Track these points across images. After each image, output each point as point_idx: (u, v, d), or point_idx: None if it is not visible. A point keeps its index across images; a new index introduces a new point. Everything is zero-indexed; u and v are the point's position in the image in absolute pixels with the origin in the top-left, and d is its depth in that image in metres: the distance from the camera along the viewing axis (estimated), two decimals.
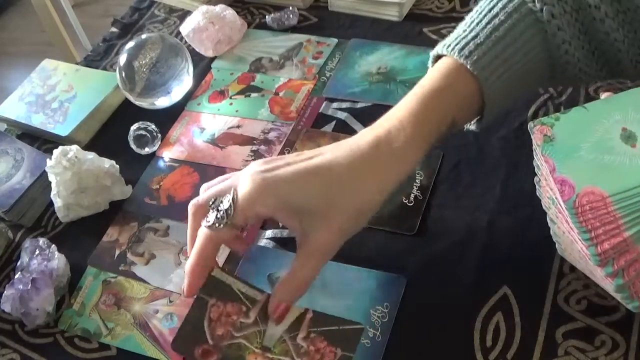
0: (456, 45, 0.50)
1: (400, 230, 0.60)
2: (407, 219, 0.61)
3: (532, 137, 0.48)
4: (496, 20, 0.50)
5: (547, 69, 0.53)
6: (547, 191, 0.49)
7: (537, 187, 0.51)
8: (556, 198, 0.46)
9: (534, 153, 0.49)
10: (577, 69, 0.52)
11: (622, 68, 0.53)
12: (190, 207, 0.51)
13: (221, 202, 0.48)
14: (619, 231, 0.43)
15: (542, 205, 0.51)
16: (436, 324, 0.54)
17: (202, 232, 0.48)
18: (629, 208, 0.43)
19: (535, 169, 0.50)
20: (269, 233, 0.62)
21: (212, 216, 0.47)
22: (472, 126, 0.55)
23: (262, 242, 0.62)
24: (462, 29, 0.52)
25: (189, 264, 0.48)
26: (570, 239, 0.47)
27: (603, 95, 0.49)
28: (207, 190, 0.51)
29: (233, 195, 0.47)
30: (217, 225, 0.47)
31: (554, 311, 0.52)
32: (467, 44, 0.50)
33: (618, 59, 0.52)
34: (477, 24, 0.51)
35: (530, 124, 0.48)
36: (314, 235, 0.46)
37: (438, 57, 0.53)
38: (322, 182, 0.46)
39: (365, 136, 0.48)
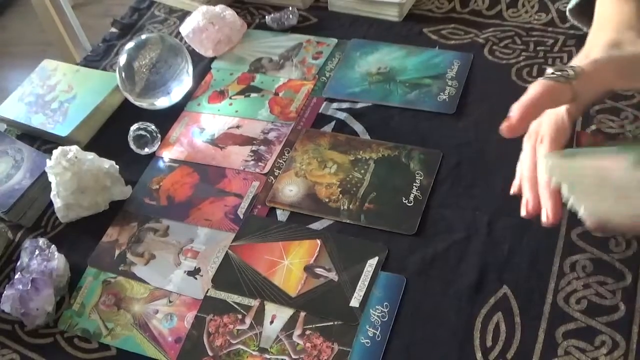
0: None
1: (400, 230, 0.60)
2: (407, 219, 0.61)
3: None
4: None
5: None
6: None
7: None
8: None
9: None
10: None
11: None
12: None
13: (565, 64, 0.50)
14: None
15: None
16: (436, 324, 0.54)
17: (541, 81, 0.49)
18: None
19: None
20: None
21: (554, 70, 0.49)
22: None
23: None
24: None
25: (519, 102, 0.49)
26: None
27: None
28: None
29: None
30: (558, 76, 0.49)
31: (554, 311, 0.52)
32: None
33: None
34: None
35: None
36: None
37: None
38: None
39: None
